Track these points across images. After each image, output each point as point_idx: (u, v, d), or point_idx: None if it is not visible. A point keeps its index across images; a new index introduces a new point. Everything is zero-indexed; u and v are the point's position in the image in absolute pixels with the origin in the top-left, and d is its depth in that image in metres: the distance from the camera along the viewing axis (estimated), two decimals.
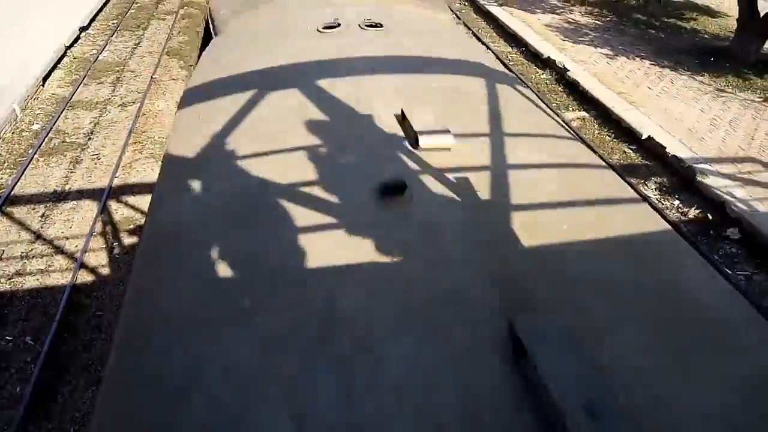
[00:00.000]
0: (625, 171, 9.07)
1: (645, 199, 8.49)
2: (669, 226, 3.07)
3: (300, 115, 3.66)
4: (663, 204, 8.49)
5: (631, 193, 3.42)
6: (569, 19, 15.81)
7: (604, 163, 3.83)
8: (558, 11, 16.46)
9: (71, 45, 13.21)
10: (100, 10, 15.62)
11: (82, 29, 14.09)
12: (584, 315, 2.38)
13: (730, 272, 7.11)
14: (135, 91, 11.30)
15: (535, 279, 2.50)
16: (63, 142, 9.52)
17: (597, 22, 15.75)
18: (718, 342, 2.37)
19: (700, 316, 2.44)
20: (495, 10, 16.15)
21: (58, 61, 12.35)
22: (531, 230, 2.74)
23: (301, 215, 2.78)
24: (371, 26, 4.93)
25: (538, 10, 16.36)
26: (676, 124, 10.27)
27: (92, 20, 14.82)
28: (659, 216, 3.20)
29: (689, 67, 12.81)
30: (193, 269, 2.57)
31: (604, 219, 3.05)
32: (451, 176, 3.09)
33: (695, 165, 8.93)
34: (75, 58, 12.79)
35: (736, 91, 11.70)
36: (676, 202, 8.53)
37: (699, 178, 8.66)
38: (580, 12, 16.49)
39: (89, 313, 6.39)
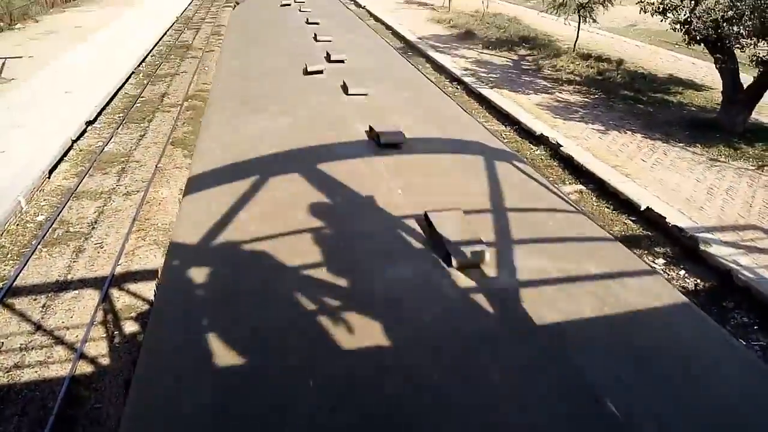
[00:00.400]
0: (627, 242, 9.07)
1: (653, 269, 8.44)
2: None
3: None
4: (668, 274, 8.43)
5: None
6: (558, 98, 16.40)
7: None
8: (547, 91, 17.10)
9: (78, 138, 13.60)
10: (107, 104, 16.22)
11: (89, 123, 14.56)
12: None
13: (744, 343, 6.95)
14: (140, 180, 11.51)
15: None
16: (67, 232, 9.59)
17: (586, 99, 16.33)
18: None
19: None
20: (486, 91, 16.78)
21: (65, 154, 12.67)
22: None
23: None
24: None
25: (529, 91, 16.99)
26: (673, 194, 10.40)
27: (99, 114, 15.35)
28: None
29: (680, 138, 13.14)
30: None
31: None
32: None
33: (697, 234, 8.96)
34: (81, 151, 13.13)
35: (729, 161, 11.94)
36: (682, 272, 8.47)
37: (702, 247, 8.66)
38: (568, 91, 17.13)
39: (88, 406, 6.17)
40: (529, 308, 2.98)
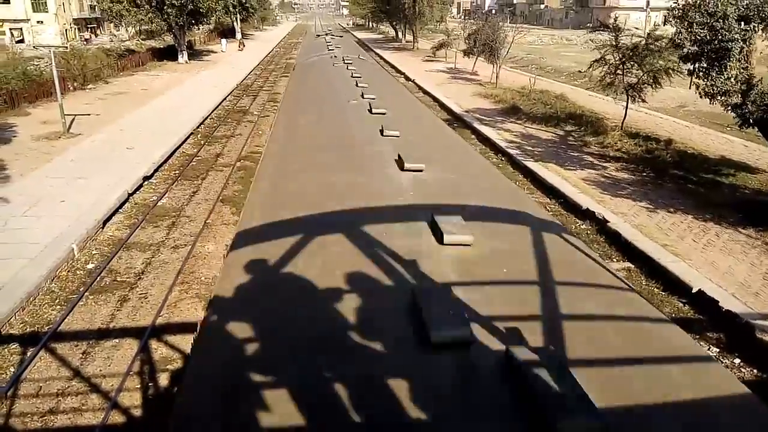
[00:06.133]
0: (678, 325, 8.67)
1: (710, 356, 8.00)
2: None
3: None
4: (722, 362, 7.96)
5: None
6: (606, 174, 16.25)
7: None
8: (594, 167, 16.99)
9: (134, 192, 14.21)
10: (165, 162, 16.99)
11: (146, 178, 15.24)
12: None
13: None
14: (188, 234, 11.85)
15: None
16: (114, 281, 9.85)
17: (634, 177, 16.11)
18: None
19: None
20: (532, 164, 16.81)
21: (120, 206, 13.21)
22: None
23: None
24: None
25: (575, 166, 16.93)
26: (726, 277, 9.97)
27: (156, 170, 16.07)
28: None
29: (733, 221, 12.71)
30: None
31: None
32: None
33: (752, 321, 8.49)
34: (136, 204, 13.67)
35: None
36: (737, 360, 7.99)
37: (759, 335, 8.19)
38: (616, 168, 16.97)
39: None
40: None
